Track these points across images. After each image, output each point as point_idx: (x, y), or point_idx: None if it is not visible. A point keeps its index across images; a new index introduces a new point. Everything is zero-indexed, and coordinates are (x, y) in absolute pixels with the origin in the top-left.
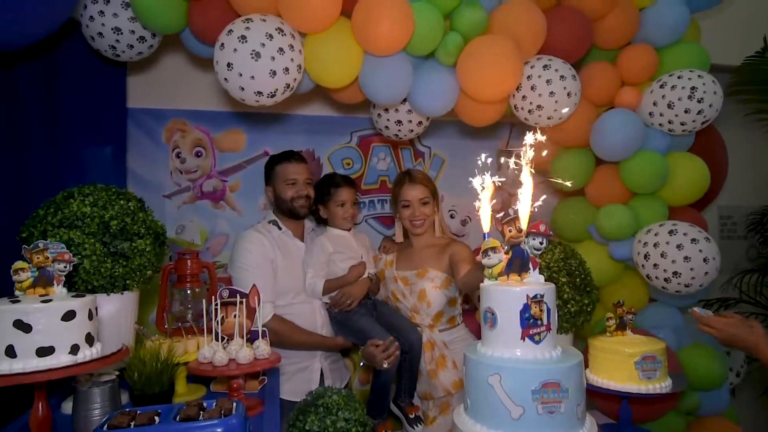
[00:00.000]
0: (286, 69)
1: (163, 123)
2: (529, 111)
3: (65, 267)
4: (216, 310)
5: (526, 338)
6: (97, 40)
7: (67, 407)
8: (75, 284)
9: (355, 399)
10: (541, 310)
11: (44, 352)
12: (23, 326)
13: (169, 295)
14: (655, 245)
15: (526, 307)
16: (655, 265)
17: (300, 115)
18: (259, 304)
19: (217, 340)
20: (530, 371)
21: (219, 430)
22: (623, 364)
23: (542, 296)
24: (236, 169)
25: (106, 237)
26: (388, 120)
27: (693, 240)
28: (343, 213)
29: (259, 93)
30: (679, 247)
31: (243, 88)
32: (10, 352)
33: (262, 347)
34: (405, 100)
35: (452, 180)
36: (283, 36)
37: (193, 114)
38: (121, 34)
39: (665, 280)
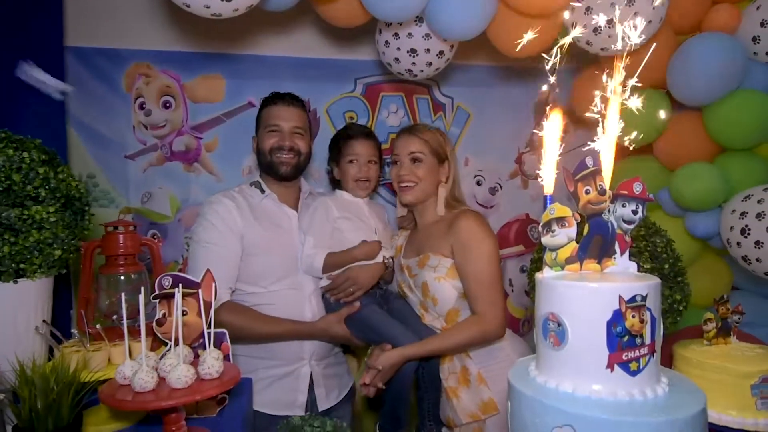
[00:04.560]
0: None
1: (122, 66)
2: (595, 30)
3: None
4: (156, 304)
5: (617, 366)
6: None
7: None
8: None
9: (342, 431)
10: (642, 321)
11: None
12: None
13: (95, 283)
14: (758, 216)
15: (617, 316)
16: (757, 243)
17: (292, 57)
18: (215, 297)
19: (164, 345)
20: (628, 426)
21: None
22: (733, 388)
23: (644, 298)
24: (213, 123)
25: None
26: (398, 50)
27: None
28: (355, 172)
29: None
30: None
31: None
32: None
33: (210, 362)
34: (421, 19)
35: (479, 139)
36: None
37: (160, 55)
38: None
39: None
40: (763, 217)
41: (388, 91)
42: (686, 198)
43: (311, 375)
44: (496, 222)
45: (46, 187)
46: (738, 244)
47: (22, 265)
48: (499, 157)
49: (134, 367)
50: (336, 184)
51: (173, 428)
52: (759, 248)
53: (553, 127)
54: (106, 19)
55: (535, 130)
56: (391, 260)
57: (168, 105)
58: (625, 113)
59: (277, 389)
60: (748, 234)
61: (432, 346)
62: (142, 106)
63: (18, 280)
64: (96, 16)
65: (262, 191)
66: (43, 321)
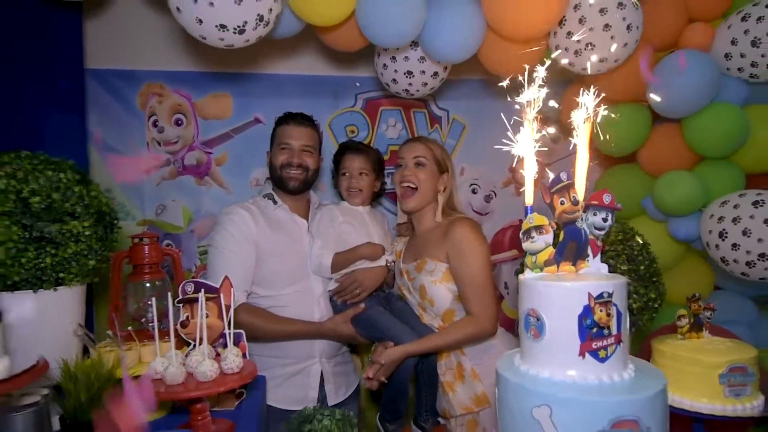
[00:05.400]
0: None
1: (136, 86)
2: (576, 52)
3: None
4: (178, 308)
5: (587, 354)
6: None
7: None
8: None
9: (351, 422)
10: (608, 315)
11: None
12: None
13: (124, 290)
14: (734, 220)
15: (587, 311)
16: (734, 245)
17: (296, 75)
18: (233, 301)
19: (187, 345)
20: (595, 404)
21: None
22: (703, 378)
23: (610, 295)
24: (222, 138)
25: (26, 218)
26: (395, 71)
27: None
28: (347, 184)
29: (223, 27)
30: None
31: (201, 21)
32: None
33: (231, 358)
34: (416, 43)
35: (474, 149)
36: None
37: (171, 75)
38: None
39: (747, 264)
40: (739, 221)
41: (387, 106)
42: (667, 204)
43: (321, 372)
44: (491, 228)
45: (81, 204)
46: (716, 246)
47: (61, 275)
48: (493, 167)
49: (165, 363)
50: (341, 195)
51: (199, 417)
52: (736, 250)
53: (528, 153)
54: (121, 42)
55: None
56: (393, 264)
57: (180, 122)
58: (609, 125)
59: (289, 386)
60: (726, 237)
61: (430, 344)
62: (155, 124)
63: (57, 288)
64: (112, 40)
65: (275, 202)
66: (79, 324)
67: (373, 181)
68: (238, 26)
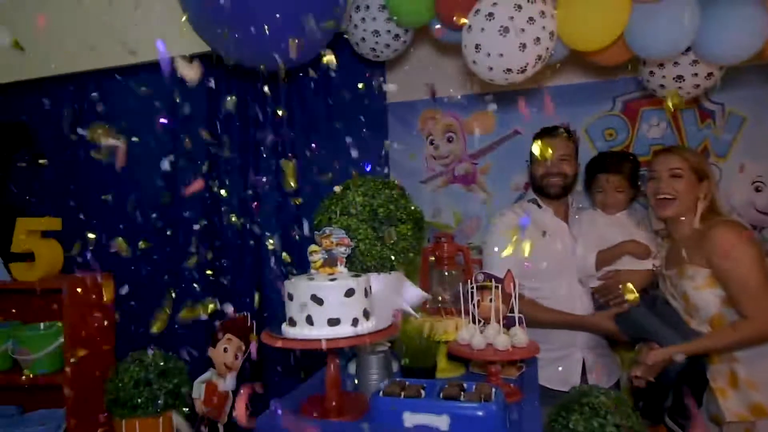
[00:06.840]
0: (537, 39)
1: (417, 113)
2: None
3: (345, 250)
4: (472, 293)
5: None
6: (360, 45)
7: (350, 368)
8: (353, 264)
9: (627, 404)
10: None
11: (333, 322)
12: (317, 300)
13: (430, 276)
14: None
15: None
16: None
17: (551, 86)
18: (514, 289)
19: (474, 322)
20: None
21: (480, 413)
22: None
23: None
24: (486, 151)
25: (375, 223)
26: (663, 77)
27: None
28: (602, 198)
29: (509, 70)
30: None
31: (492, 68)
32: (309, 320)
33: (520, 335)
34: (688, 48)
35: (757, 142)
36: (533, 3)
37: (442, 100)
38: (379, 35)
39: None
40: None
41: (647, 106)
42: None
43: (584, 360)
44: None
45: (405, 213)
46: None
47: (393, 263)
48: None
49: (471, 333)
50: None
51: (493, 379)
52: None
53: None
54: (404, 79)
55: None
56: (658, 268)
57: (450, 139)
58: None
59: (553, 368)
60: None
61: (700, 346)
62: (432, 142)
63: (391, 272)
64: (397, 77)
65: (539, 206)
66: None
67: (628, 192)
68: (521, 67)
